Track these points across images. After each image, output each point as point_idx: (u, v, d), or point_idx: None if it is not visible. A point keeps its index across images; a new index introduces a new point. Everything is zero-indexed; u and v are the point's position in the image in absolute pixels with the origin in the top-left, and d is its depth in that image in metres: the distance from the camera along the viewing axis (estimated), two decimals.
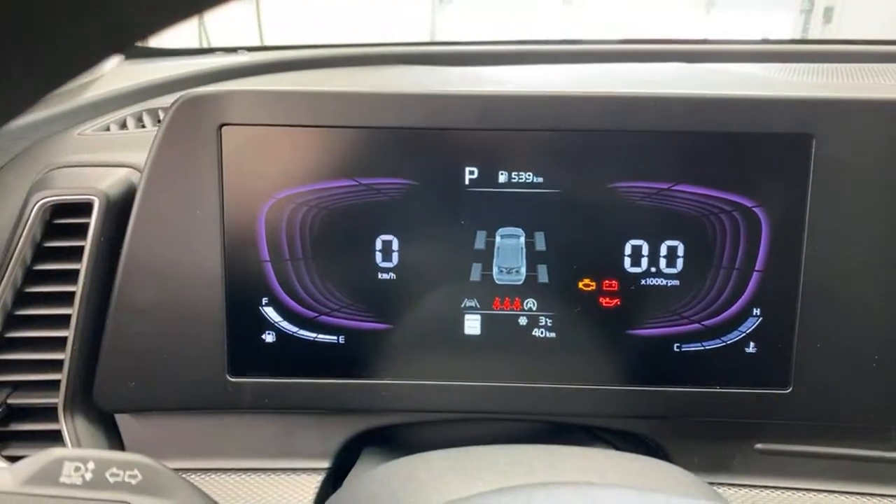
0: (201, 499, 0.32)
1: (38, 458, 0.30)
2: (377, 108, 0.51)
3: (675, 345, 0.53)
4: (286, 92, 0.51)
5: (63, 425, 0.54)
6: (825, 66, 0.82)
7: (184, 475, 0.56)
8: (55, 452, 0.30)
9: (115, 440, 0.57)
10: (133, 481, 0.30)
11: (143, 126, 0.69)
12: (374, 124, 0.51)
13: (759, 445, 0.56)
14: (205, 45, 1.09)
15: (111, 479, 0.30)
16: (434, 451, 0.41)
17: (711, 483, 0.57)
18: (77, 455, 0.30)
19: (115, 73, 0.82)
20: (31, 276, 0.54)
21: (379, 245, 0.53)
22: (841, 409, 0.53)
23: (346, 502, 0.39)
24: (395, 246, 0.53)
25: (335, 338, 0.54)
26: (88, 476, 0.30)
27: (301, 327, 0.54)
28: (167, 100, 0.68)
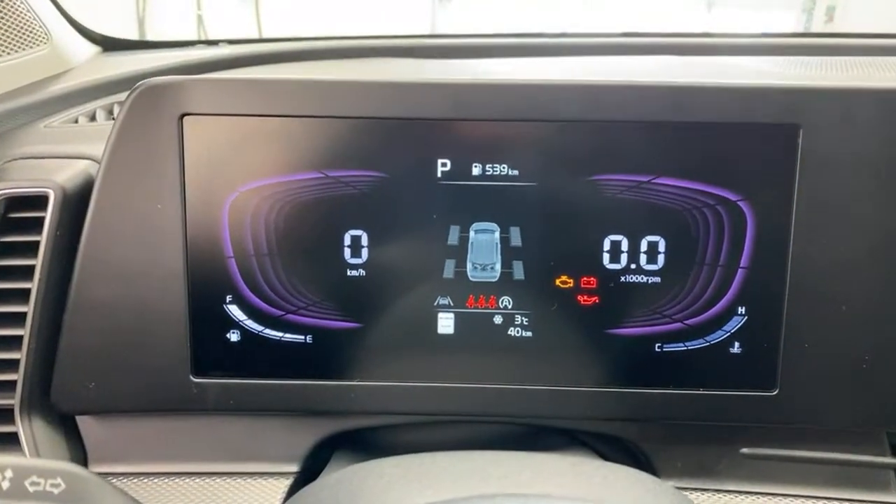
0: None
1: None
2: (345, 97, 0.49)
3: (657, 344, 0.51)
4: (249, 80, 0.49)
5: (20, 428, 0.52)
6: (826, 59, 0.80)
7: (144, 479, 0.55)
8: None
9: (76, 442, 0.55)
10: (55, 490, 0.28)
11: (114, 118, 0.67)
12: (342, 114, 0.49)
13: (744, 450, 0.53)
14: (203, 39, 1.08)
15: (31, 489, 0.28)
16: (388, 457, 0.39)
17: (696, 489, 0.55)
18: None
19: (89, 66, 0.80)
20: None
21: (347, 241, 0.50)
22: (829, 411, 0.51)
23: None
24: (365, 241, 0.51)
25: (303, 337, 0.52)
26: (6, 485, 0.28)
27: (267, 326, 0.52)
28: None
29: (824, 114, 0.48)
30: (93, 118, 0.67)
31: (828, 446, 0.53)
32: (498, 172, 0.50)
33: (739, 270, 0.50)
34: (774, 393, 0.50)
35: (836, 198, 0.48)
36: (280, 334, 0.52)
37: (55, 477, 0.28)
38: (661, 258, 0.50)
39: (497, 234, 0.51)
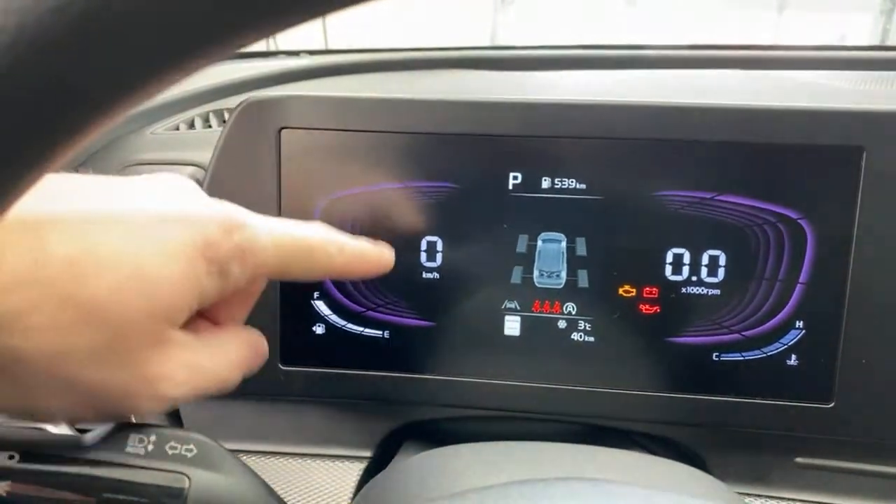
0: (250, 475, 0.35)
1: (106, 428, 0.33)
2: (427, 114, 0.53)
3: (714, 354, 0.53)
4: (343, 98, 0.54)
5: None
6: None
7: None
8: (122, 424, 0.33)
9: (175, 420, 0.61)
10: (189, 455, 0.33)
11: (210, 126, 0.73)
12: (423, 130, 0.53)
13: (799, 459, 0.55)
14: (272, 48, 1.14)
15: (170, 452, 0.33)
16: (466, 443, 0.43)
17: (748, 494, 0.57)
18: (141, 428, 0.33)
19: None
20: None
21: (424, 246, 0.55)
22: (886, 426, 0.52)
23: (382, 485, 0.41)
24: (440, 247, 0.55)
25: (381, 332, 0.56)
26: (150, 447, 0.33)
27: (349, 321, 0.56)
28: (232, 101, 0.72)
29: (889, 136, 0.49)
30: (191, 125, 0.74)
31: (885, 460, 0.54)
32: (566, 186, 0.53)
33: (798, 286, 0.52)
34: (830, 406, 0.52)
35: None
36: (361, 329, 0.56)
37: (189, 443, 0.33)
38: (721, 271, 0.52)
39: (563, 244, 0.54)
